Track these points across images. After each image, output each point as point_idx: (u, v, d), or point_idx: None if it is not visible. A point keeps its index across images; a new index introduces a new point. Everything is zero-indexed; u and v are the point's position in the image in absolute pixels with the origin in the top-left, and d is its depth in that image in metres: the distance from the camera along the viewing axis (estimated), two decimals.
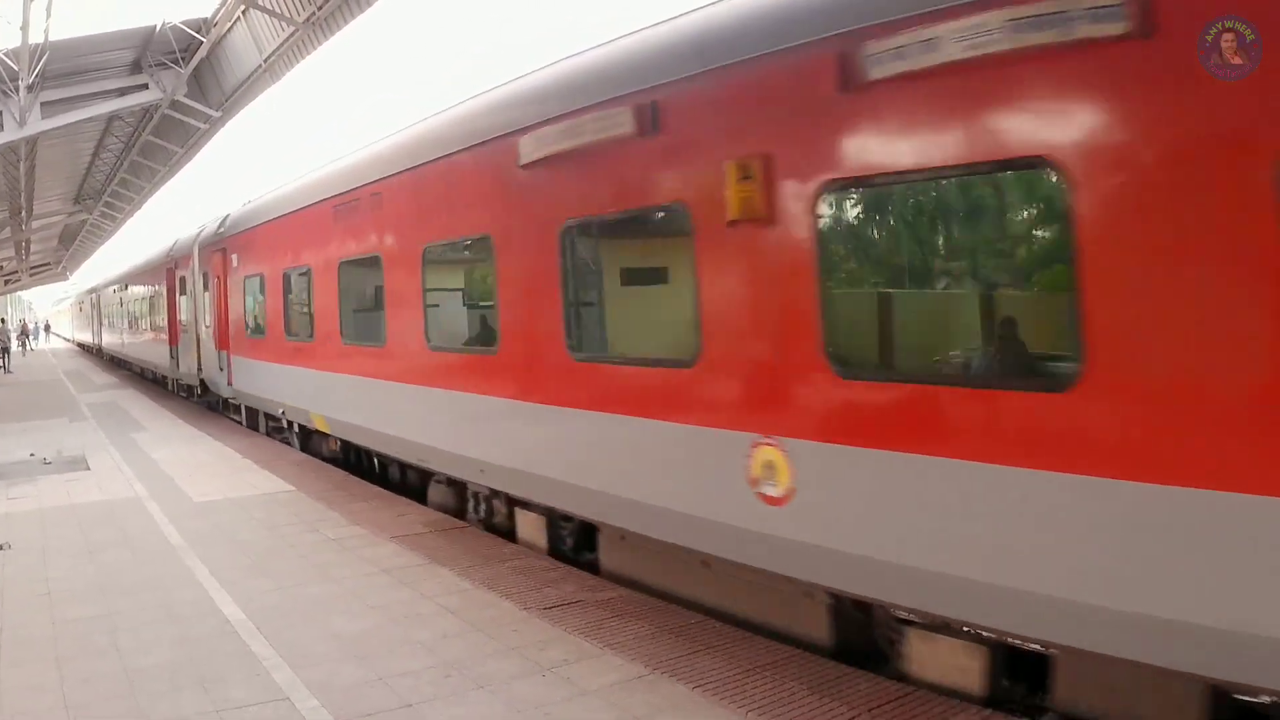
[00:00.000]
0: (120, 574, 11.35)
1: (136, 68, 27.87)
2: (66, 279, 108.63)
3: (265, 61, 27.16)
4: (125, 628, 9.41)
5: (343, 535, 12.89)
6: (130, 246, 70.91)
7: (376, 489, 16.19)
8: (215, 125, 32.28)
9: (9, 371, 52.69)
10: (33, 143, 31.18)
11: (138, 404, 32.61)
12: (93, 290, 69.87)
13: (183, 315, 31.06)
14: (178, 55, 27.57)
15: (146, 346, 40.87)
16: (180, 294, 31.23)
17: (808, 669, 7.96)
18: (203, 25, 26.87)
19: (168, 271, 32.80)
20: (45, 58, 23.65)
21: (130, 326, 46.66)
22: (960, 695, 7.32)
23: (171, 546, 12.53)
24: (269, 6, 24.84)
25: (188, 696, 7.71)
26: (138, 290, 42.52)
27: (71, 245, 77.04)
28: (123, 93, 28.46)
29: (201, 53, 27.55)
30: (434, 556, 11.67)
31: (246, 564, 11.64)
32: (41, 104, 26.47)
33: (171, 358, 33.79)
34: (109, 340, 59.34)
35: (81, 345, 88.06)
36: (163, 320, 34.75)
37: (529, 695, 7.55)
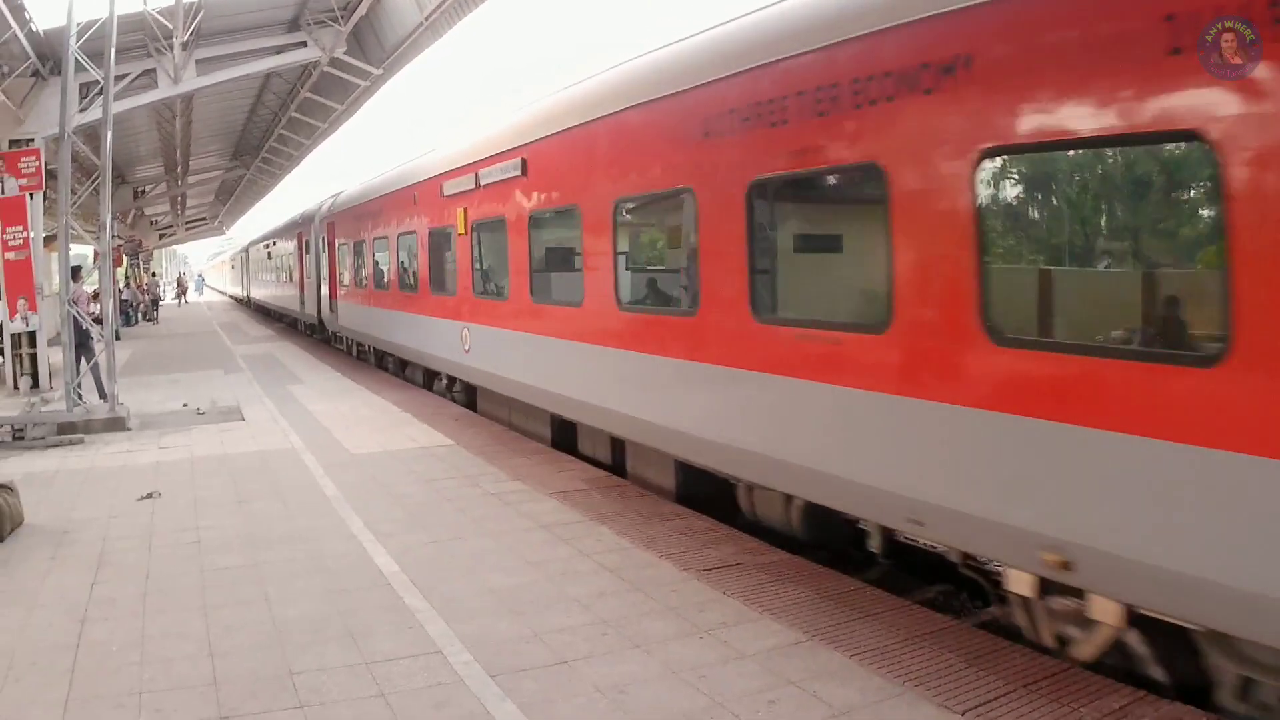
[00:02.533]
0: (272, 524, 11.47)
1: (294, 25, 28.11)
2: (223, 233, 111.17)
3: (427, 19, 27.13)
4: (275, 578, 9.48)
5: (502, 490, 12.86)
6: (287, 204, 64.94)
7: (537, 444, 16.10)
8: (376, 83, 32.39)
9: (156, 322, 56.48)
10: (188, 99, 31.69)
11: (294, 356, 33.03)
12: (350, 204, 30.63)
13: None
14: (336, 13, 27.74)
15: None
16: None
17: (965, 640, 7.81)
18: None
19: None
20: (200, 15, 23.95)
21: None
22: None
23: (326, 498, 12.63)
24: None
25: (336, 648, 7.72)
26: None
27: (228, 200, 78.13)
28: (280, 50, 28.69)
29: (361, 10, 27.65)
30: (594, 514, 11.58)
31: (402, 517, 11.66)
32: (196, 61, 26.85)
33: None
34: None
35: (268, 310, 60.02)
36: None
37: (685, 657, 7.44)
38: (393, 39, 29.21)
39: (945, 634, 7.92)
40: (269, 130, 44.80)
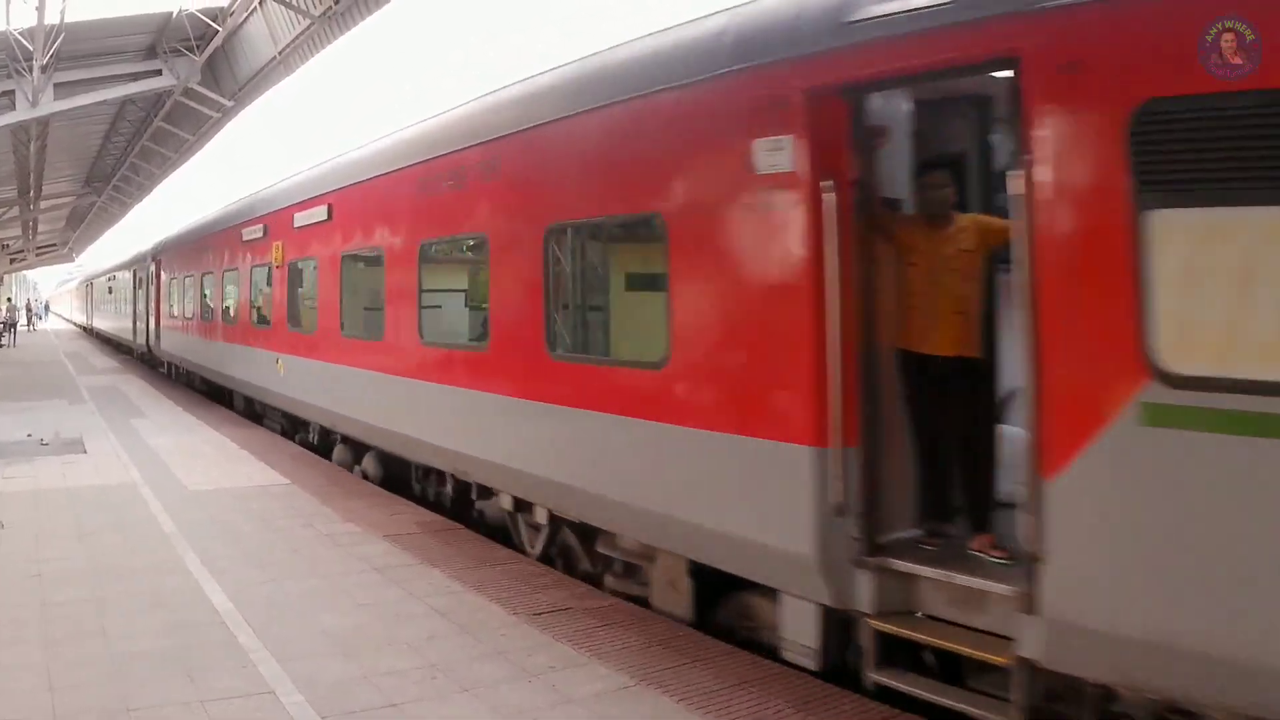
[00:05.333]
0: (112, 559, 11.34)
1: (151, 53, 27.94)
2: (73, 260, 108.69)
3: (280, 53, 27.20)
4: (115, 613, 9.40)
5: (336, 531, 12.85)
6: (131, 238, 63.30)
7: (372, 486, 16.16)
8: (228, 114, 32.30)
9: (13, 346, 55.09)
10: (44, 123, 31.20)
11: (137, 389, 32.25)
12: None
13: None
14: (193, 43, 27.63)
15: None
16: None
17: (793, 686, 7.91)
18: (219, 14, 26.92)
19: None
20: (60, 39, 23.69)
21: None
22: None
23: (165, 534, 12.49)
24: None
25: (173, 684, 7.69)
26: None
27: (79, 227, 76.55)
28: (136, 77, 28.51)
29: (216, 41, 27.62)
30: (426, 557, 11.64)
31: (238, 555, 11.61)
32: (54, 85, 26.51)
33: None
34: None
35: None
36: None
37: (514, 701, 7.53)
38: (246, 71, 29.23)
39: (773, 680, 8.04)
40: (122, 158, 44.25)
